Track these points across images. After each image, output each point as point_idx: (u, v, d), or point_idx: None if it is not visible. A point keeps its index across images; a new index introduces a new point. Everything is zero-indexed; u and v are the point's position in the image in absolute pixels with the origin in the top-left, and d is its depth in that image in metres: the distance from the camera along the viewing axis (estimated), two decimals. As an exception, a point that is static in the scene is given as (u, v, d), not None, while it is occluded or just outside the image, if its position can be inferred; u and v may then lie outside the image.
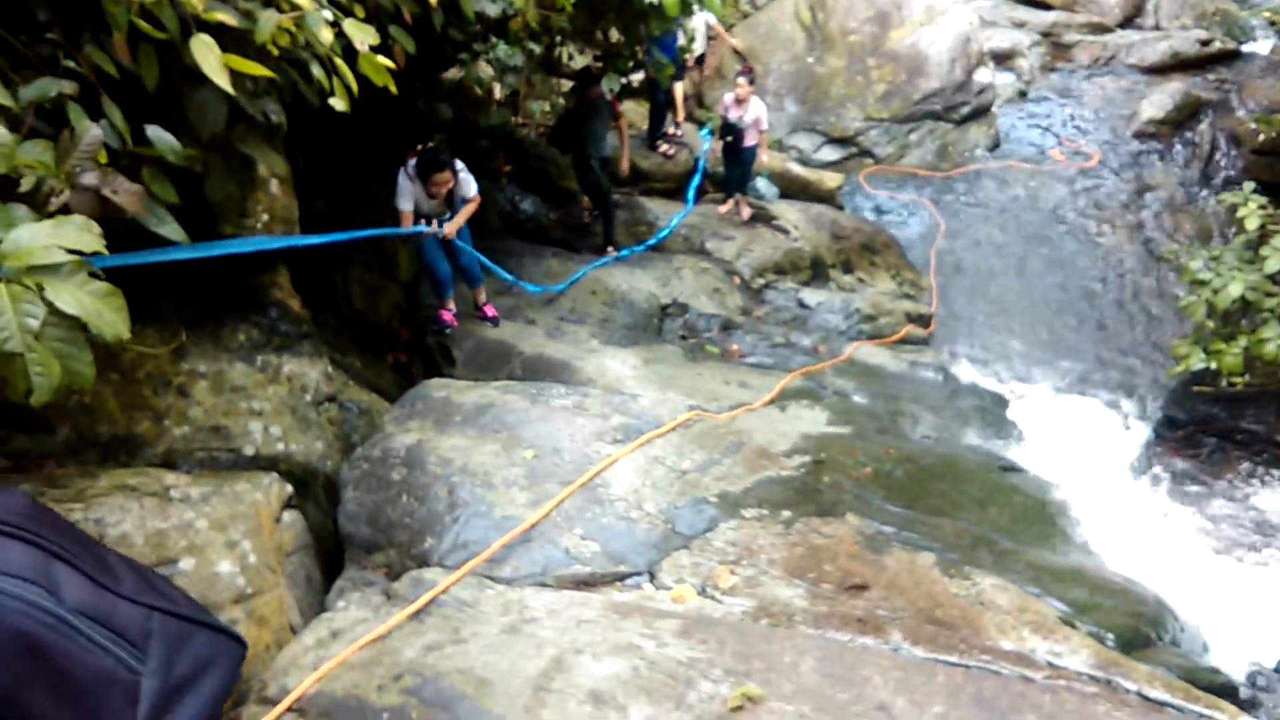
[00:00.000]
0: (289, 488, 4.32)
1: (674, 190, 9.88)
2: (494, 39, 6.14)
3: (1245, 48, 13.84)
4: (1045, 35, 15.10)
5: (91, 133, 3.05)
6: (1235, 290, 7.03)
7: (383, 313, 6.98)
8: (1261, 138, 10.49)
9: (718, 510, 4.39)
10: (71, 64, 3.18)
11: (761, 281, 8.67)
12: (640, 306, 7.59)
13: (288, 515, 4.27)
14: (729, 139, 8.88)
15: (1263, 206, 7.43)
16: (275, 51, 3.53)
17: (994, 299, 9.75)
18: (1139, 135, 12.21)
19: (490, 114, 6.88)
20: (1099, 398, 8.51)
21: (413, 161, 5.94)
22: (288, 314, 5.02)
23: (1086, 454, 7.30)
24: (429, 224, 6.16)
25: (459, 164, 6.10)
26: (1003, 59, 14.25)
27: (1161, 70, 13.56)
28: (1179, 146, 11.93)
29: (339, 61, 3.78)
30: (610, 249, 8.30)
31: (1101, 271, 10.11)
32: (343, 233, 5.45)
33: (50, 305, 2.56)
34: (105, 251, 2.73)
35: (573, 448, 4.74)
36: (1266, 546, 6.39)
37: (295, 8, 3.58)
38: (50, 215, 2.82)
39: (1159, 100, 12.47)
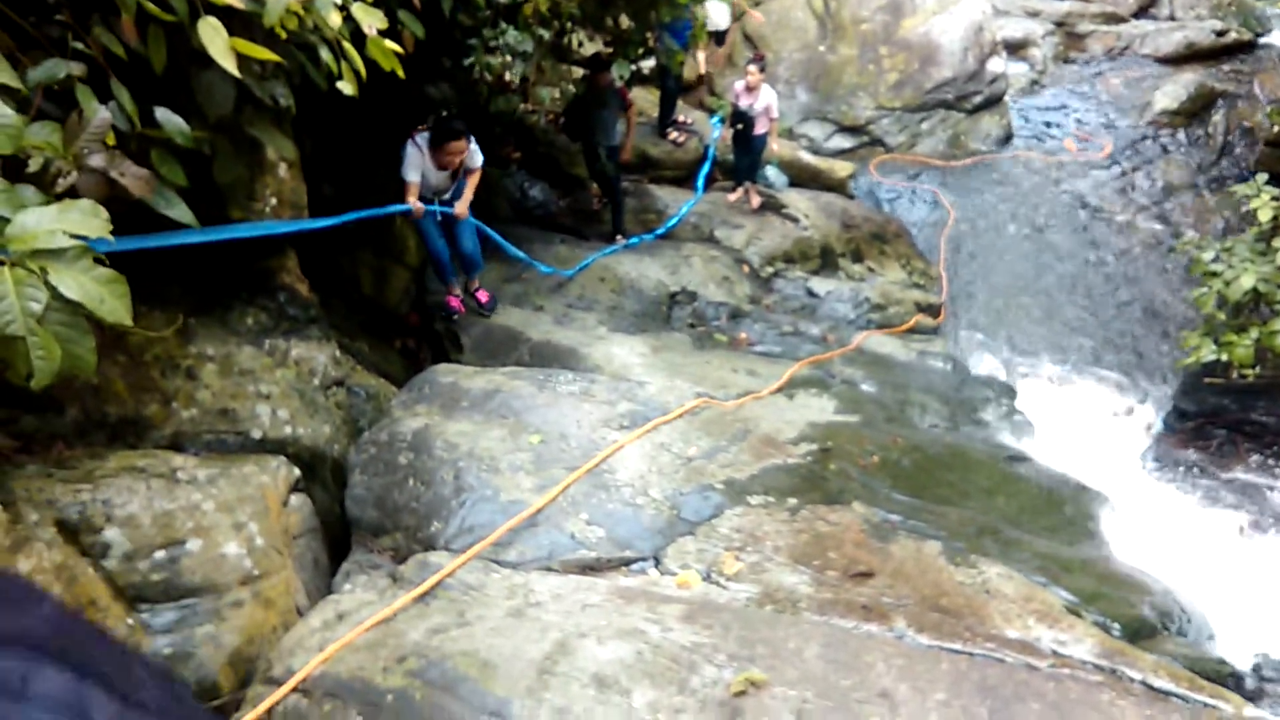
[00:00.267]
0: (296, 471, 4.34)
1: (683, 178, 9.84)
2: (504, 24, 6.12)
3: (1261, 39, 13.72)
4: (1059, 25, 14.97)
5: (100, 115, 3.05)
6: (1247, 282, 6.99)
7: (391, 298, 6.98)
8: (1275, 129, 10.40)
9: (724, 497, 4.40)
10: (80, 45, 3.18)
11: (770, 270, 8.64)
12: (649, 294, 7.58)
13: (295, 498, 4.28)
14: (739, 127, 8.84)
15: (1275, 198, 7.38)
16: (283, 34, 3.52)
17: (1004, 289, 9.69)
18: (1152, 126, 12.12)
19: (498, 100, 6.85)
20: (1108, 389, 8.48)
21: (423, 134, 5.94)
22: (296, 298, 5.03)
23: (1095, 445, 7.28)
24: (435, 203, 6.15)
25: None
26: (1016, 48, 14.12)
27: (1176, 61, 13.43)
28: (1193, 138, 11.84)
29: (347, 45, 3.78)
30: (619, 237, 8.28)
31: (1113, 263, 10.04)
32: (348, 214, 5.46)
33: (53, 290, 2.56)
34: (111, 238, 2.72)
35: (579, 434, 4.74)
36: (1275, 538, 6.37)
37: (303, -10, 3.57)
38: (58, 197, 2.83)
39: (1173, 91, 12.38)
